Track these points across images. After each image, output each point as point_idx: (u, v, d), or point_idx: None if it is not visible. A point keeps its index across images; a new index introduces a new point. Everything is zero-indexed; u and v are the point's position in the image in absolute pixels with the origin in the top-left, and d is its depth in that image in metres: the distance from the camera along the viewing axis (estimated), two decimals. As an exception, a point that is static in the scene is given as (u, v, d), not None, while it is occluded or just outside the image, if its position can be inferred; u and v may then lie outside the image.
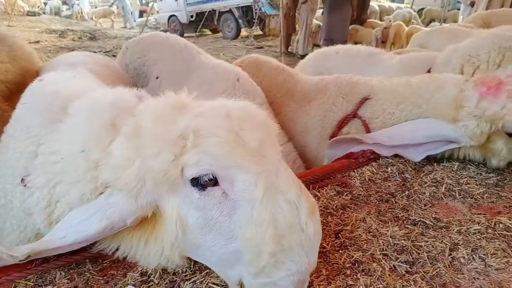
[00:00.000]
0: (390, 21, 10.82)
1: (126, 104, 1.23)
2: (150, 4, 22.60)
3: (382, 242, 1.37)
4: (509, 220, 1.48)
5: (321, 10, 11.39)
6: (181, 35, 18.21)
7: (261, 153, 1.01)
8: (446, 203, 1.71)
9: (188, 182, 1.01)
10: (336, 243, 1.40)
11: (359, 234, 1.42)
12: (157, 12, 20.94)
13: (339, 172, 1.91)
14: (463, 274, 1.27)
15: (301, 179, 1.78)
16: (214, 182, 1.01)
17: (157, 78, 2.68)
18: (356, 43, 11.86)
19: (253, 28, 15.48)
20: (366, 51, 3.34)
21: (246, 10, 15.81)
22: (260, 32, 17.14)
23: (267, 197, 0.96)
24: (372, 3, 16.91)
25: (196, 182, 1.01)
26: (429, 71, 2.56)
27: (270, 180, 0.98)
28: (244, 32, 16.71)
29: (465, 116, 1.82)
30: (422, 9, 17.28)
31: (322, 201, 1.68)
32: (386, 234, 1.41)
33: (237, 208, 0.99)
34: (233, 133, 0.99)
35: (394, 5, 18.24)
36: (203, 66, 2.53)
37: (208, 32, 19.60)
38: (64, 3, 29.06)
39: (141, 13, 25.29)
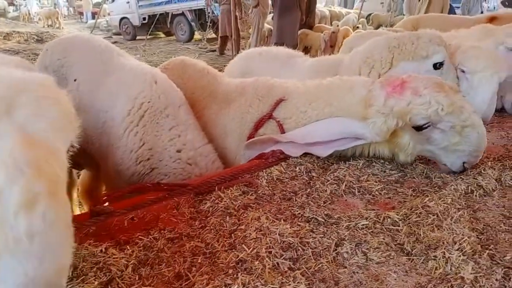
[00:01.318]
0: (337, 26, 11.14)
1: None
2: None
3: (270, 240, 1.39)
4: (397, 215, 1.55)
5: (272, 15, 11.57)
6: (134, 37, 17.91)
7: None
8: (346, 199, 1.77)
9: None
10: (227, 243, 1.41)
11: (250, 233, 1.43)
12: (109, 14, 20.42)
13: (247, 172, 1.92)
14: (344, 268, 1.31)
15: (206, 180, 1.80)
16: None
17: (75, 80, 2.60)
18: (306, 47, 12.15)
19: (207, 31, 15.44)
20: (285, 53, 3.43)
21: (199, 13, 15.78)
22: (214, 36, 17.13)
23: None
24: (322, 8, 17.35)
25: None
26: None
27: None
28: (197, 35, 16.64)
29: (374, 114, 1.90)
30: (370, 14, 17.94)
31: (225, 201, 1.69)
32: (275, 232, 1.43)
33: None
34: None
35: (344, 10, 18.81)
36: (121, 68, 2.48)
37: (162, 35, 19.35)
38: (10, 4, 27.72)
39: (94, 15, 24.58)
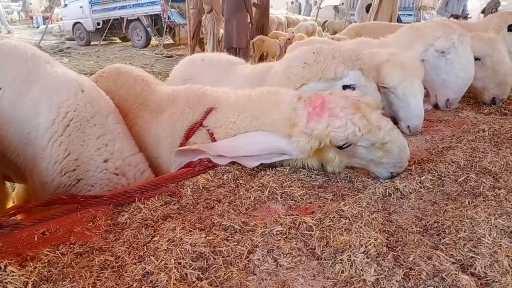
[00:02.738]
0: (293, 32, 11.33)
1: None
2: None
3: (181, 250, 1.37)
4: (312, 219, 1.57)
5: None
6: (88, 43, 17.41)
7: None
8: (268, 206, 1.78)
9: None
10: (138, 255, 1.38)
11: (161, 244, 1.41)
12: (61, 19, 19.75)
13: (171, 182, 1.90)
14: (254, 275, 1.31)
15: (125, 191, 1.76)
16: None
17: (0, 89, 2.48)
18: (262, 53, 12.28)
19: (163, 37, 15.26)
20: (226, 60, 3.43)
21: (156, 19, 15.56)
22: (171, 41, 16.96)
23: None
24: (279, 15, 17.62)
25: None
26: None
27: None
28: (154, 41, 16.41)
29: (298, 133, 1.92)
30: (326, 21, 18.39)
31: (144, 212, 1.65)
32: (187, 242, 1.41)
33: None
34: None
35: (300, 17, 19.16)
36: (46, 76, 2.39)
37: (118, 40, 18.92)
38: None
39: (45, 20, 23.67)
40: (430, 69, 3.15)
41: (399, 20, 13.41)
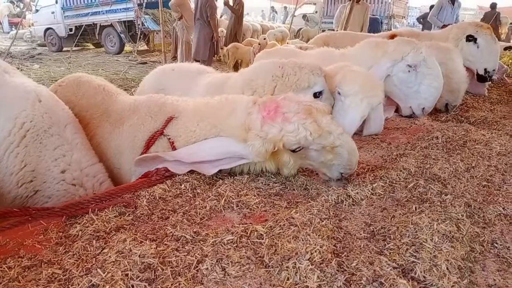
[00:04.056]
0: (264, 39, 11.45)
1: None
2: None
3: (129, 262, 1.37)
4: (263, 228, 1.61)
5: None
6: (60, 49, 17.09)
7: None
8: (224, 215, 1.80)
9: None
10: (85, 268, 1.38)
11: (110, 256, 1.41)
12: (32, 24, 19.32)
13: (127, 192, 1.90)
14: (201, 285, 1.33)
15: (79, 202, 1.75)
16: None
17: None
18: (237, 60, 12.34)
19: (137, 43, 15.12)
20: (195, 69, 3.46)
21: (130, 25, 15.40)
22: (146, 47, 16.84)
23: None
24: (254, 22, 17.77)
25: None
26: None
27: None
28: (128, 47, 16.25)
29: (253, 137, 1.96)
30: (301, 29, 18.64)
31: (97, 224, 1.65)
32: (136, 253, 1.42)
33: None
34: None
35: (275, 24, 19.37)
36: (3, 86, 2.34)
37: (91, 47, 18.64)
38: None
39: (12, 25, 23.04)
40: (399, 83, 3.29)
41: (376, 27, 13.90)
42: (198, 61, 9.30)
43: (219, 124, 2.12)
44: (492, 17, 14.67)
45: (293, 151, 1.96)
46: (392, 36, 4.98)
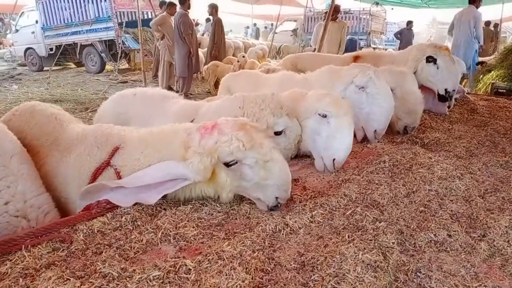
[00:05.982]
0: (243, 57, 11.58)
1: None
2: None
3: (47, 302, 1.38)
4: (192, 262, 1.62)
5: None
6: (40, 68, 17.02)
7: None
8: (160, 248, 1.81)
9: None
10: (5, 309, 1.38)
11: (30, 297, 1.41)
12: (12, 44, 19.24)
13: (65, 226, 1.90)
14: (120, 324, 1.33)
15: (11, 238, 1.74)
16: None
17: None
18: (218, 78, 12.43)
19: (118, 62, 15.15)
20: (160, 94, 3.48)
21: (110, 44, 15.43)
22: (127, 66, 16.87)
23: None
24: (236, 40, 17.96)
25: None
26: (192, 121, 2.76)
27: None
28: (109, 66, 16.25)
29: (192, 155, 2.03)
30: (282, 45, 18.91)
31: (27, 261, 1.64)
32: (57, 293, 1.42)
33: None
34: None
35: (257, 41, 19.61)
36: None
37: (73, 66, 18.60)
38: None
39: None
40: (353, 105, 3.34)
41: (354, 45, 14.36)
42: (171, 88, 9.54)
43: (163, 149, 2.16)
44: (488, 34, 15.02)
45: (228, 165, 2.02)
46: (356, 58, 5.11)
